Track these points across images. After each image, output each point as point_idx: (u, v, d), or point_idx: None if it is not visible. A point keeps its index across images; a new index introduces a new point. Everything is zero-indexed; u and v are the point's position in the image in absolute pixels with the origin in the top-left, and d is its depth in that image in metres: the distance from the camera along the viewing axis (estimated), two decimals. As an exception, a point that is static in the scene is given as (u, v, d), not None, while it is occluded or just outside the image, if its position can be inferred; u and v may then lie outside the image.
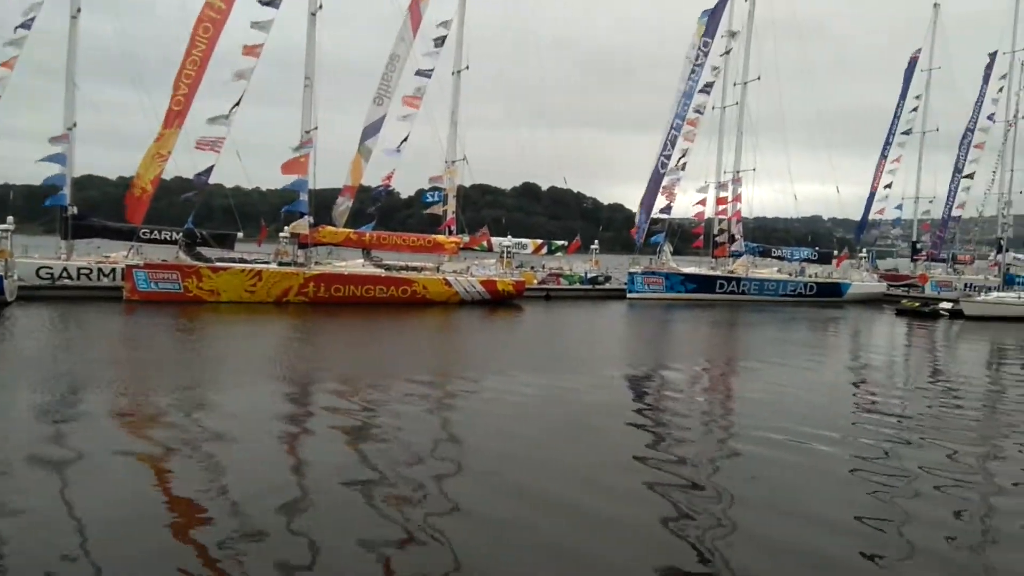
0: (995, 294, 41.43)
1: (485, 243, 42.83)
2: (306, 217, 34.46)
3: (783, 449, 11.99)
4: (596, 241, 50.73)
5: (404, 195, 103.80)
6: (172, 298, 30.89)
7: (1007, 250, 48.89)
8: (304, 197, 34.13)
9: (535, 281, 43.40)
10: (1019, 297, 40.38)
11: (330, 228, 36.55)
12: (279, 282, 33.10)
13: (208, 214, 42.46)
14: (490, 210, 78.04)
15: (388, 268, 36.92)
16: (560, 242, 48.15)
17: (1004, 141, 52.48)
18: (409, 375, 17.33)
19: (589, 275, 46.43)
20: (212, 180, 32.55)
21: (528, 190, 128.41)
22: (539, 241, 46.91)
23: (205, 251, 33.40)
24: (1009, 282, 44.15)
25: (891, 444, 12.62)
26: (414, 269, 37.63)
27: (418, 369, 18.44)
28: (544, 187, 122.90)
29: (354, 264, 36.71)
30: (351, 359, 20.71)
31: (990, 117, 58.02)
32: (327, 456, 10.84)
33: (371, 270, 36.20)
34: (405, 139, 37.61)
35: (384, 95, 37.31)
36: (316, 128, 34.61)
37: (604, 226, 76.37)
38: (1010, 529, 8.87)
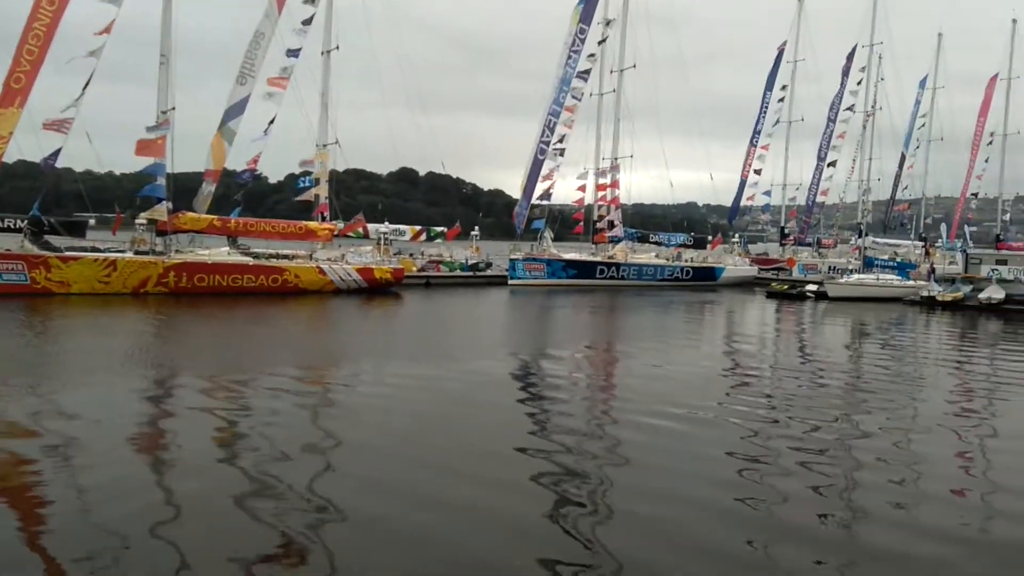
0: (856, 276, 44.37)
1: (361, 230, 42.01)
2: (164, 202, 32.59)
3: (660, 432, 12.27)
4: (476, 227, 50.89)
5: (273, 180, 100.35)
6: (17, 290, 28.62)
7: (867, 234, 52.56)
8: (161, 181, 32.29)
9: (414, 268, 43.01)
10: (877, 279, 43.53)
11: (191, 214, 34.72)
12: (136, 272, 31.28)
13: (57, 200, 39.61)
14: (366, 196, 76.65)
15: (256, 256, 35.47)
16: (439, 228, 47.92)
17: (863, 131, 56.14)
18: (279, 369, 16.69)
19: (470, 262, 46.48)
20: (60, 164, 30.41)
21: (405, 175, 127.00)
22: (418, 228, 46.50)
23: (53, 240, 31.15)
24: (869, 265, 47.35)
25: (762, 423, 13.15)
26: (285, 257, 36.33)
27: (289, 362, 17.76)
28: (422, 172, 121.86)
29: (219, 252, 35.05)
30: (216, 353, 19.72)
31: (850, 108, 61.90)
32: (190, 458, 10.18)
33: (238, 258, 34.61)
34: (272, 121, 36.21)
35: (248, 74, 35.72)
36: (173, 108, 32.82)
37: (484, 212, 76.84)
38: (876, 505, 9.29)
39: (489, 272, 46.42)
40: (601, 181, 49.51)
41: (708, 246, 53.51)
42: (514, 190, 51.94)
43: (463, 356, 19.63)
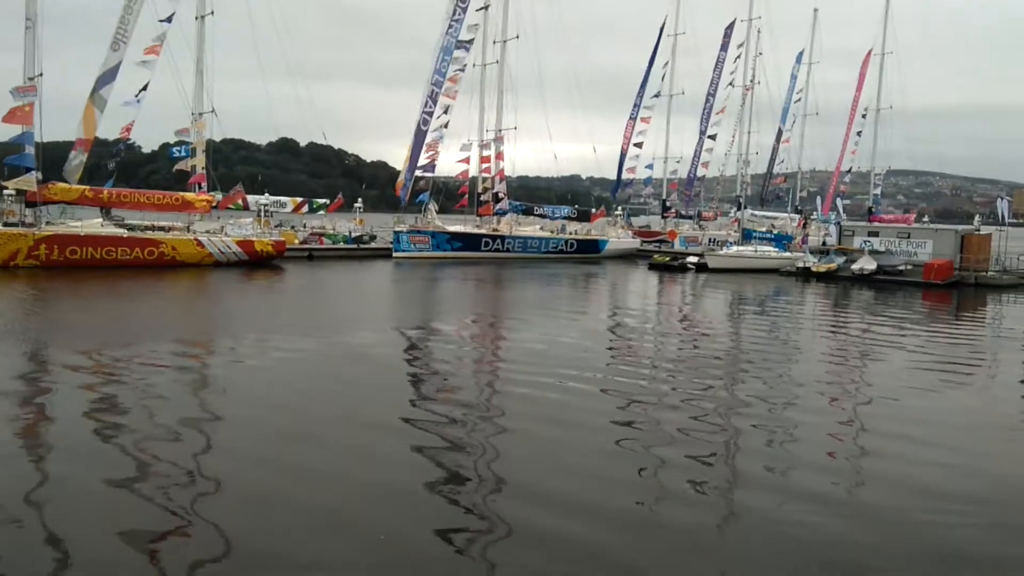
0: (735, 248, 46.68)
1: (240, 201, 41.23)
2: (33, 172, 31.24)
3: (545, 402, 12.65)
4: (360, 199, 50.97)
5: (147, 149, 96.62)
6: None
7: (745, 207, 55.22)
8: (30, 150, 30.68)
9: (296, 241, 42.65)
10: (755, 251, 45.82)
11: (62, 185, 33.15)
12: (5, 244, 29.97)
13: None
14: (245, 167, 74.99)
15: (131, 228, 34.37)
16: (322, 200, 47.59)
17: (742, 105, 59.27)
18: (158, 344, 16.23)
19: (353, 234, 46.43)
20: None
21: (286, 146, 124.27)
22: (299, 199, 46.06)
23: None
24: (747, 237, 49.93)
25: (645, 391, 13.78)
26: (161, 229, 35.46)
27: (168, 337, 17.24)
28: (303, 143, 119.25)
29: (92, 224, 34.01)
30: (91, 328, 19.03)
31: (730, 83, 64.99)
32: (65, 436, 9.98)
33: (112, 230, 33.47)
34: (144, 88, 35.57)
35: (121, 40, 34.80)
36: (41, 75, 31.65)
37: (368, 184, 76.42)
38: (754, 470, 9.88)
39: (373, 245, 46.45)
40: (485, 153, 50.00)
41: (592, 219, 54.92)
42: (398, 162, 52.24)
43: (347, 329, 19.54)
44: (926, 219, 65.98)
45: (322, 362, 15.64)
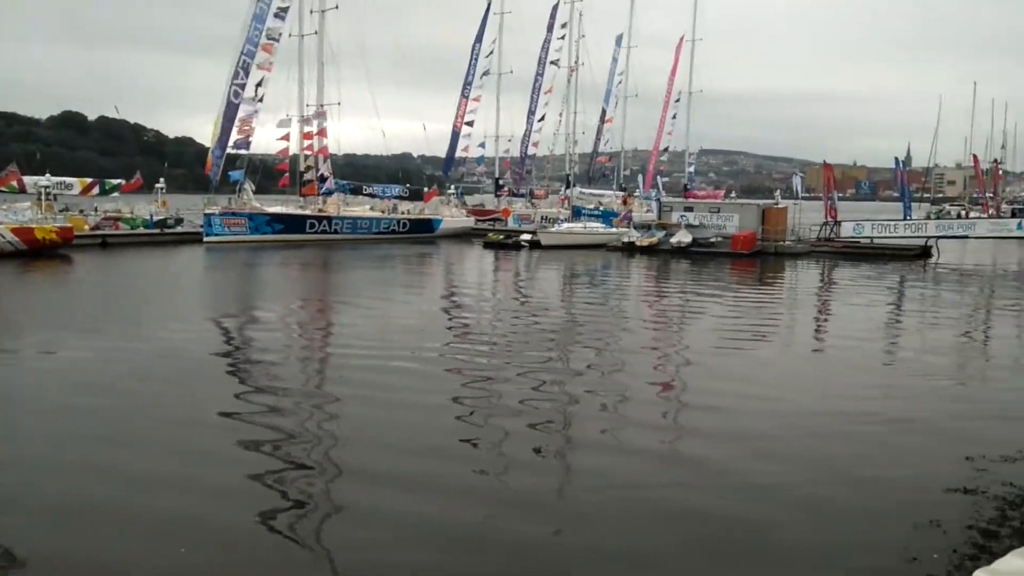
0: (566, 225, 47.63)
1: (15, 183, 37.25)
2: None
3: (381, 386, 12.29)
4: (162, 179, 46.75)
5: None
6: None
7: (574, 185, 56.56)
8: None
9: (86, 227, 38.67)
10: (585, 227, 47.09)
11: None
12: None
13: None
14: (21, 144, 67.60)
15: None
16: (115, 181, 43.84)
17: (568, 86, 59.71)
18: None
19: (156, 218, 42.76)
20: None
21: (70, 120, 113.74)
22: (88, 180, 42.29)
23: None
24: (577, 214, 50.98)
25: (485, 365, 13.82)
26: None
27: None
28: (92, 117, 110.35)
29: None
30: None
31: (555, 63, 65.45)
32: None
33: None
34: None
35: None
36: None
37: (171, 163, 71.06)
38: (591, 435, 10.26)
39: (180, 229, 43.23)
40: (306, 129, 47.84)
41: (424, 198, 54.22)
42: (206, 138, 48.58)
43: (152, 322, 18.04)
44: (733, 195, 71.79)
45: (125, 359, 14.21)
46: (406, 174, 64.59)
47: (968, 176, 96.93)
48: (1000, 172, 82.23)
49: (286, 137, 46.32)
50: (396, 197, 52.23)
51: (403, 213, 51.29)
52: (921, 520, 7.31)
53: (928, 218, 52.80)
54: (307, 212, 46.28)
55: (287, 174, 47.30)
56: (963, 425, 10.74)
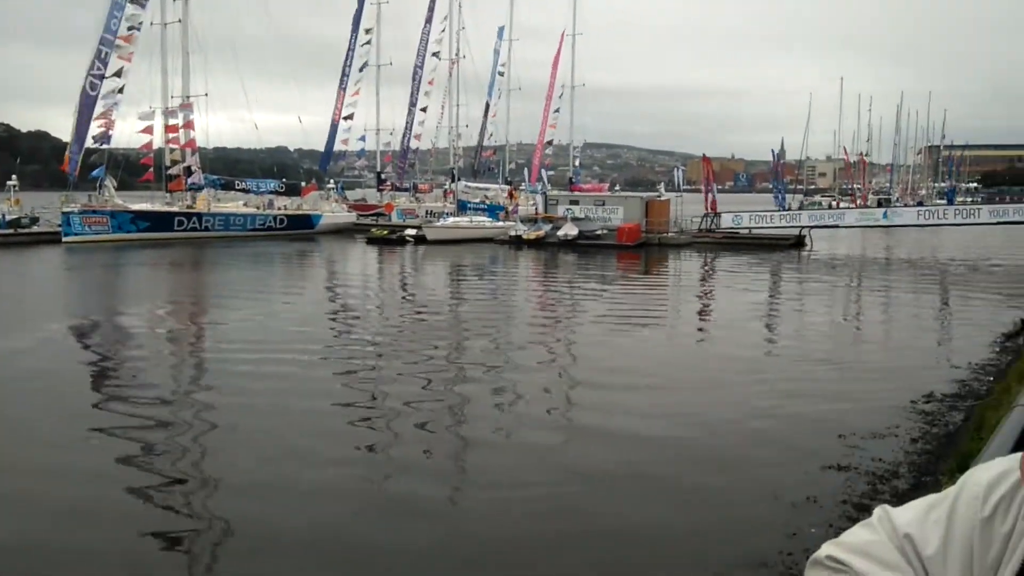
0: (452, 219, 47.53)
1: None
2: None
3: (260, 391, 11.86)
4: (14, 176, 43.91)
5: None
6: None
7: (459, 179, 56.43)
8: None
9: (-77, 229, 36.05)
10: (471, 221, 47.14)
11: None
12: None
13: None
14: None
15: None
16: None
17: (449, 78, 59.64)
18: None
19: (8, 217, 40.14)
20: None
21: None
22: None
23: None
24: (463, 208, 51.18)
25: (371, 365, 13.64)
26: None
27: None
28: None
29: None
30: None
31: (435, 55, 65.09)
32: None
33: None
34: None
35: None
36: None
37: (24, 158, 66.80)
38: (481, 434, 10.34)
39: (36, 229, 40.86)
40: (171, 122, 45.89)
41: (303, 193, 52.97)
42: (63, 132, 46.04)
43: (2, 331, 16.69)
44: (617, 187, 73.78)
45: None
46: (282, 168, 62.96)
47: (838, 168, 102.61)
48: (867, 164, 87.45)
49: (149, 130, 44.25)
50: (272, 192, 50.76)
51: (280, 209, 49.86)
52: (799, 498, 7.66)
53: (801, 208, 55.58)
54: (175, 209, 44.36)
55: (151, 169, 45.20)
56: (836, 405, 11.31)
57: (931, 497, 0.89)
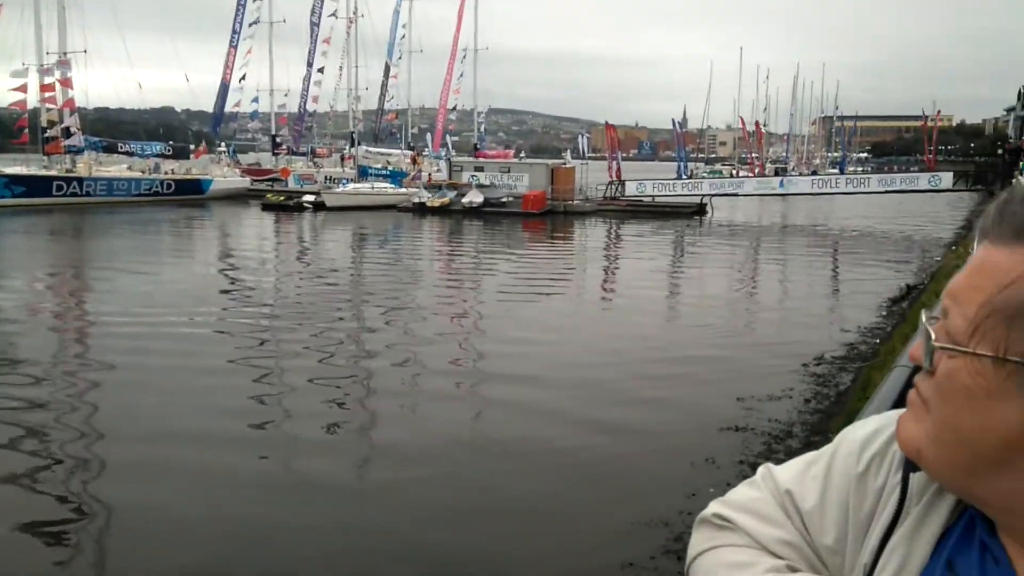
0: (352, 186, 46.85)
1: None
2: None
3: (147, 367, 11.46)
4: None
5: None
6: None
7: (360, 143, 55.51)
8: None
9: None
10: (372, 187, 46.56)
11: None
12: None
13: None
14: None
15: None
16: None
17: (347, 38, 58.18)
18: None
19: None
20: None
21: None
22: None
23: None
24: (363, 174, 50.37)
25: (268, 336, 13.35)
26: None
27: None
28: None
29: None
30: None
31: (333, 14, 63.40)
32: None
33: None
34: None
35: None
36: None
37: None
38: (384, 408, 10.37)
39: None
40: (47, 80, 43.57)
41: (191, 156, 51.25)
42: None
43: None
44: (523, 154, 72.70)
45: None
46: (169, 130, 60.61)
47: (737, 137, 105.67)
48: (763, 134, 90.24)
49: (22, 88, 41.90)
50: (158, 155, 48.86)
51: (167, 173, 48.03)
52: (698, 459, 7.97)
53: (700, 176, 57.06)
54: (53, 173, 42.23)
55: (26, 130, 42.85)
56: (735, 368, 11.80)
57: (810, 455, 0.95)
